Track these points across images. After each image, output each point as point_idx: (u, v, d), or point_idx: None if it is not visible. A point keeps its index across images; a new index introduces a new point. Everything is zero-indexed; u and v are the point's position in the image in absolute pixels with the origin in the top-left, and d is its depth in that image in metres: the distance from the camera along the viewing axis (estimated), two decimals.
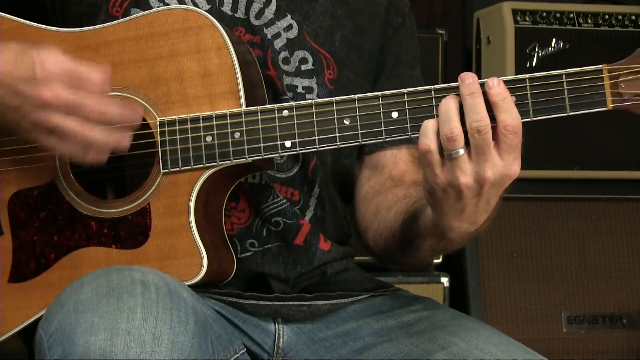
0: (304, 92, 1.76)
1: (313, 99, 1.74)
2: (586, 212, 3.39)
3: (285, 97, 1.74)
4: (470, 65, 3.57)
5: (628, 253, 3.38)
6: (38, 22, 1.70)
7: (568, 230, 3.36)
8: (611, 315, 3.33)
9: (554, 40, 3.36)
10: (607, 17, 3.39)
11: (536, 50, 3.35)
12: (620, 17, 3.39)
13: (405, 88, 1.54)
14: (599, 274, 3.35)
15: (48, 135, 1.55)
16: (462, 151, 1.43)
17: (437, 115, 1.47)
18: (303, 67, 1.76)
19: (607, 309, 3.34)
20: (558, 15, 3.37)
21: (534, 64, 3.34)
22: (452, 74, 3.63)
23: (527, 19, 3.36)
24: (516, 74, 3.39)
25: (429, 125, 1.45)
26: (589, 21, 3.38)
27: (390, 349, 1.69)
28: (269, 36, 1.75)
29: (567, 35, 3.37)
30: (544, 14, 3.37)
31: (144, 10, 1.71)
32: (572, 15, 3.38)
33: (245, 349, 1.68)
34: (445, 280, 3.29)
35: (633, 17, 3.40)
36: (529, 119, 1.49)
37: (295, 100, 1.72)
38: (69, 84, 1.53)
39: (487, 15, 3.48)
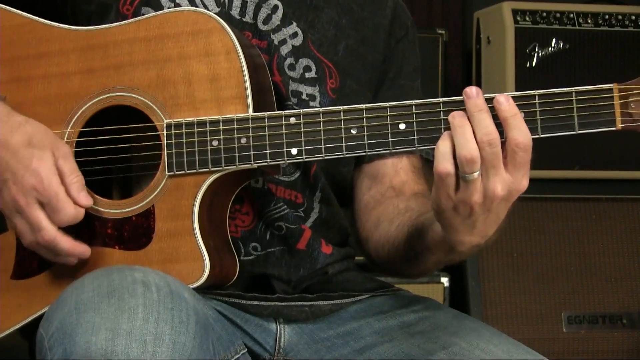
0: (307, 99, 1.76)
1: (316, 106, 1.74)
2: (586, 212, 3.39)
3: (289, 102, 1.74)
4: (470, 65, 3.57)
5: (628, 253, 3.38)
6: (49, 19, 1.70)
7: (568, 230, 3.36)
8: (611, 315, 3.34)
9: (554, 40, 3.36)
10: (607, 17, 3.39)
11: (536, 50, 3.35)
12: (620, 17, 3.39)
13: (405, 99, 1.53)
14: (599, 274, 3.35)
15: (17, 216, 1.57)
16: (477, 173, 1.42)
17: (445, 129, 1.46)
18: (307, 75, 1.77)
19: (607, 309, 3.34)
20: (558, 15, 3.37)
21: (533, 64, 3.34)
22: (452, 74, 3.64)
23: (527, 19, 3.36)
24: (516, 74, 3.39)
25: (446, 148, 1.44)
26: (589, 21, 3.38)
27: (392, 349, 1.69)
28: (275, 42, 1.75)
29: (567, 35, 3.37)
30: (544, 14, 3.37)
31: (154, 9, 1.71)
32: (572, 15, 3.38)
33: (246, 349, 1.68)
34: (445, 280, 3.29)
35: (633, 17, 3.40)
36: (537, 136, 1.47)
37: (299, 107, 1.72)
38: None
39: (487, 15, 3.48)
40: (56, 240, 1.56)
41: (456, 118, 1.45)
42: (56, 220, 1.55)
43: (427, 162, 1.84)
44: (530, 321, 3.28)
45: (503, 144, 1.43)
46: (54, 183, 1.55)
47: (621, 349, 3.32)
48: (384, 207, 1.79)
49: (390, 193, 1.81)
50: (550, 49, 3.36)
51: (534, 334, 3.25)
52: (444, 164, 1.43)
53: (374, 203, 1.82)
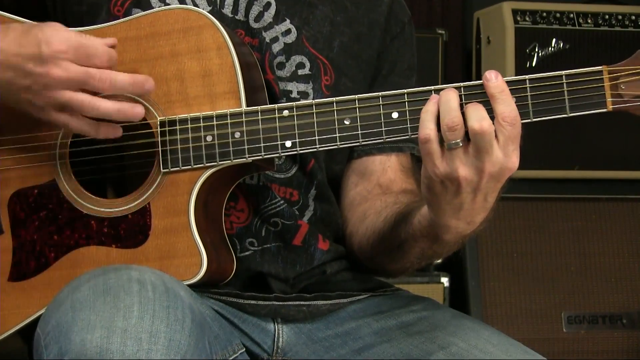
0: (299, 97, 1.75)
1: None
2: (586, 212, 3.39)
3: (282, 101, 1.74)
4: (470, 65, 3.58)
5: (628, 253, 3.38)
6: (39, 22, 1.70)
7: (568, 230, 3.36)
8: (611, 315, 3.34)
9: (554, 40, 3.37)
10: (607, 17, 3.39)
11: (536, 50, 3.35)
12: (620, 17, 3.40)
13: None
14: (599, 274, 3.35)
15: (60, 112, 1.57)
16: (460, 142, 1.44)
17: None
18: (300, 72, 1.76)
19: (607, 309, 3.34)
20: (558, 15, 3.38)
21: (534, 64, 3.34)
22: (452, 74, 3.64)
23: (527, 19, 3.36)
24: (516, 74, 3.41)
25: (428, 115, 1.46)
26: (589, 21, 3.39)
27: (390, 349, 1.69)
28: (267, 40, 1.75)
29: (567, 35, 3.37)
30: (544, 14, 3.37)
31: (144, 9, 1.71)
32: (572, 15, 3.38)
33: (244, 349, 1.68)
34: (445, 280, 3.29)
35: (633, 17, 3.40)
36: (528, 120, 1.49)
37: None
38: (77, 59, 1.54)
39: (487, 15, 3.49)
40: (117, 76, 1.56)
41: (444, 91, 1.48)
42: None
43: (417, 160, 1.84)
44: (530, 321, 3.28)
45: (492, 120, 1.44)
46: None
47: (621, 349, 3.32)
48: (370, 203, 1.79)
49: (377, 190, 1.81)
50: (550, 49, 3.36)
51: (534, 334, 3.25)
52: (424, 130, 1.46)
53: (360, 199, 1.82)
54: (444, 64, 3.50)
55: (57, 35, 1.55)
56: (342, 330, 1.75)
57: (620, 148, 3.35)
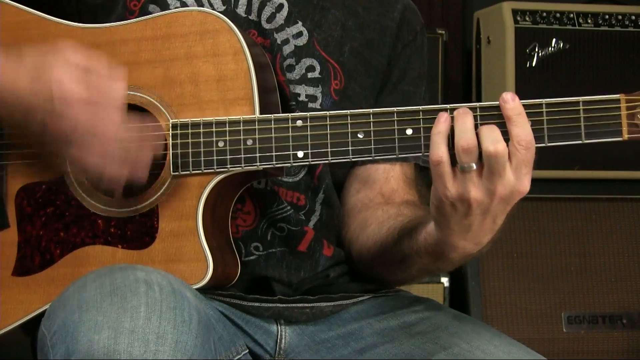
0: (307, 100, 1.75)
1: (316, 107, 1.74)
2: (586, 212, 3.39)
3: (292, 103, 1.74)
4: (470, 65, 3.58)
5: (628, 253, 3.38)
6: (52, 14, 1.70)
7: (568, 230, 3.36)
8: (611, 315, 3.34)
9: (554, 40, 3.37)
10: (607, 17, 3.39)
11: (536, 50, 3.35)
12: (620, 17, 3.40)
13: (406, 105, 1.54)
14: (599, 274, 3.36)
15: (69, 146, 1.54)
16: (474, 165, 1.43)
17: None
18: (310, 75, 1.76)
19: (607, 309, 3.34)
20: (558, 15, 3.38)
21: (533, 64, 3.34)
22: (452, 74, 3.64)
23: (527, 19, 3.36)
24: (516, 74, 3.39)
25: (440, 137, 1.45)
26: (589, 21, 3.39)
27: (392, 350, 1.69)
28: (278, 41, 1.75)
29: (567, 35, 3.37)
30: (544, 14, 3.37)
31: (161, 7, 1.71)
32: (572, 15, 3.38)
33: (247, 350, 1.68)
34: (445, 281, 3.29)
35: (633, 17, 3.40)
36: (543, 145, 1.48)
37: (297, 108, 1.72)
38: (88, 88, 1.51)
39: (487, 15, 3.49)
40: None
41: (461, 112, 1.47)
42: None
43: (422, 169, 1.84)
44: (530, 321, 3.28)
45: (507, 142, 1.43)
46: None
47: (621, 349, 3.32)
48: (371, 211, 1.79)
49: (379, 199, 1.80)
50: (550, 49, 3.36)
51: (534, 334, 3.25)
52: (436, 151, 1.45)
53: (360, 206, 1.81)
54: (444, 64, 3.50)
55: (68, 75, 1.51)
56: (345, 331, 1.75)
57: (620, 148, 3.32)
